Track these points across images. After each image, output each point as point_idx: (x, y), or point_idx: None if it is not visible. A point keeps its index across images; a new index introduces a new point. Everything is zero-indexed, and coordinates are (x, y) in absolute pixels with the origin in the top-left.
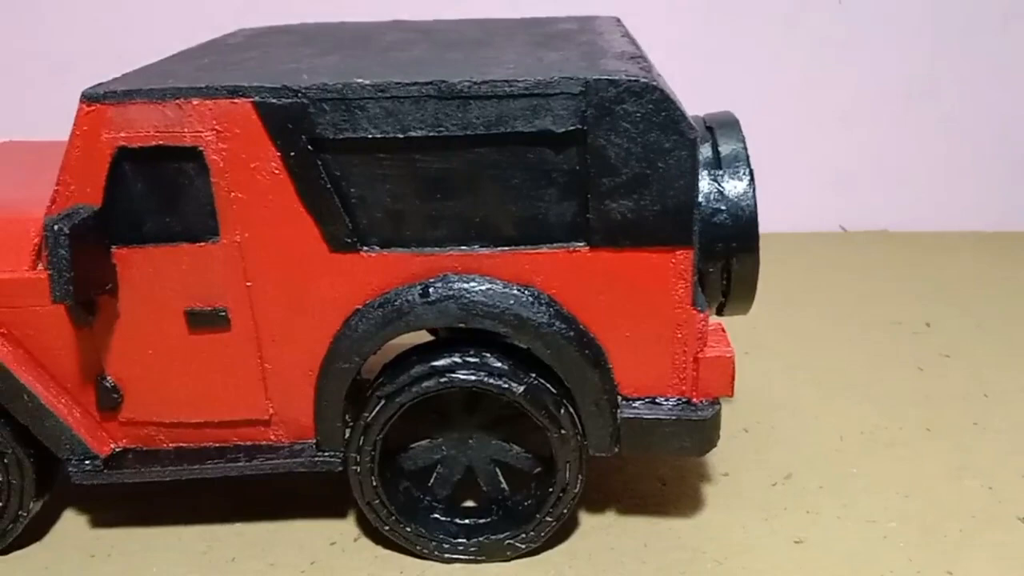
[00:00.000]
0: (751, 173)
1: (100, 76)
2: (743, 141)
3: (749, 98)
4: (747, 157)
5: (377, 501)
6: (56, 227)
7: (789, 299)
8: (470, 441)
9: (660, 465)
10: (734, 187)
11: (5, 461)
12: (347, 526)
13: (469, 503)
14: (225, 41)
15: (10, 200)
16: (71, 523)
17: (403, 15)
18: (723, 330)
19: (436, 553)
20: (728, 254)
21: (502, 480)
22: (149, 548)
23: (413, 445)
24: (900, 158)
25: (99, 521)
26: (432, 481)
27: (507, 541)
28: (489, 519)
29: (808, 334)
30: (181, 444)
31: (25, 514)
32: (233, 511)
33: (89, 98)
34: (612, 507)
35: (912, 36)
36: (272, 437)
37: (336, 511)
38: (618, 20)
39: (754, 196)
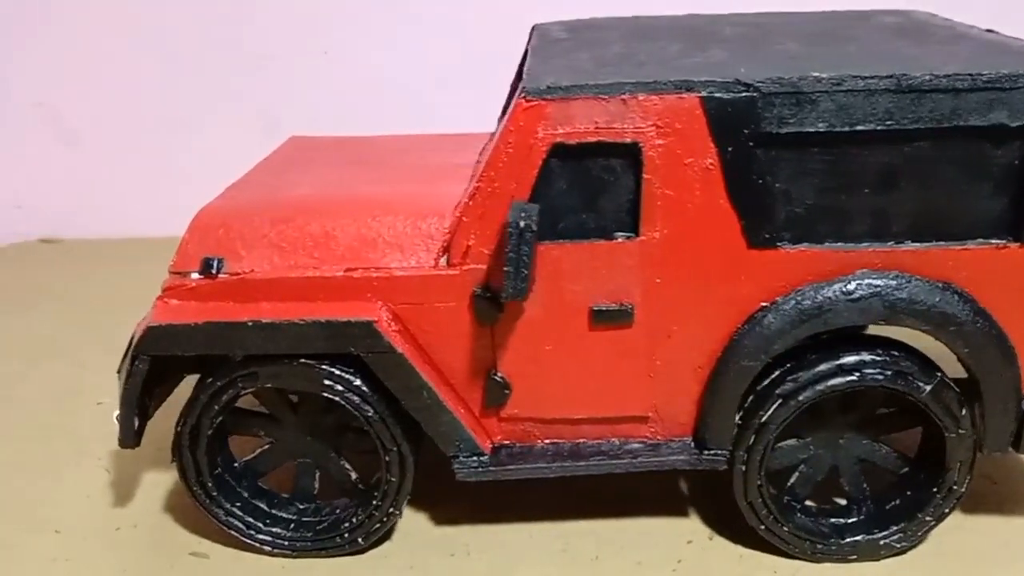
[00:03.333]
0: None
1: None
2: None
3: None
4: None
5: (759, 500)
6: (523, 224)
7: None
8: (840, 441)
9: (984, 463)
10: None
11: (387, 459)
12: (695, 524)
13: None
14: (554, 36)
15: (393, 196)
16: (411, 521)
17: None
18: None
19: (808, 553)
20: None
21: (864, 480)
22: (504, 545)
23: (780, 444)
24: None
25: (440, 519)
26: (793, 480)
27: (883, 541)
28: (857, 519)
29: None
30: (556, 440)
31: (397, 513)
32: (574, 509)
33: (530, 93)
34: None
35: None
36: (647, 434)
37: (675, 509)
38: (934, 14)
39: None
